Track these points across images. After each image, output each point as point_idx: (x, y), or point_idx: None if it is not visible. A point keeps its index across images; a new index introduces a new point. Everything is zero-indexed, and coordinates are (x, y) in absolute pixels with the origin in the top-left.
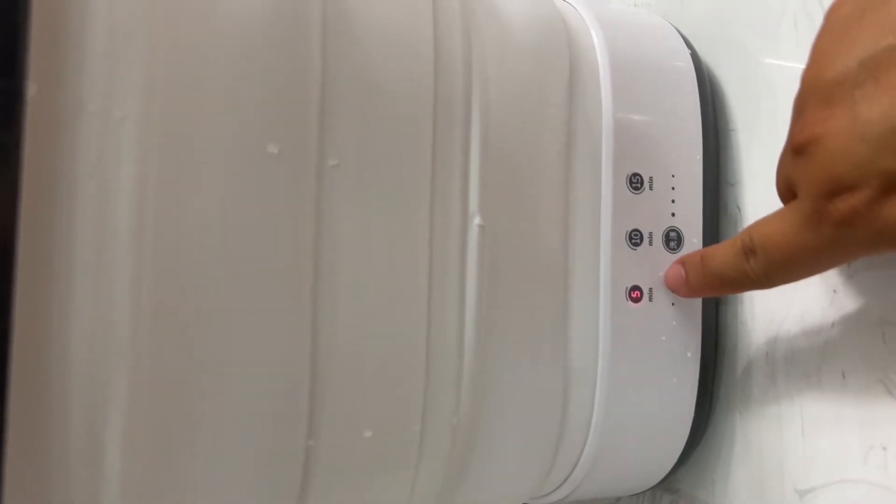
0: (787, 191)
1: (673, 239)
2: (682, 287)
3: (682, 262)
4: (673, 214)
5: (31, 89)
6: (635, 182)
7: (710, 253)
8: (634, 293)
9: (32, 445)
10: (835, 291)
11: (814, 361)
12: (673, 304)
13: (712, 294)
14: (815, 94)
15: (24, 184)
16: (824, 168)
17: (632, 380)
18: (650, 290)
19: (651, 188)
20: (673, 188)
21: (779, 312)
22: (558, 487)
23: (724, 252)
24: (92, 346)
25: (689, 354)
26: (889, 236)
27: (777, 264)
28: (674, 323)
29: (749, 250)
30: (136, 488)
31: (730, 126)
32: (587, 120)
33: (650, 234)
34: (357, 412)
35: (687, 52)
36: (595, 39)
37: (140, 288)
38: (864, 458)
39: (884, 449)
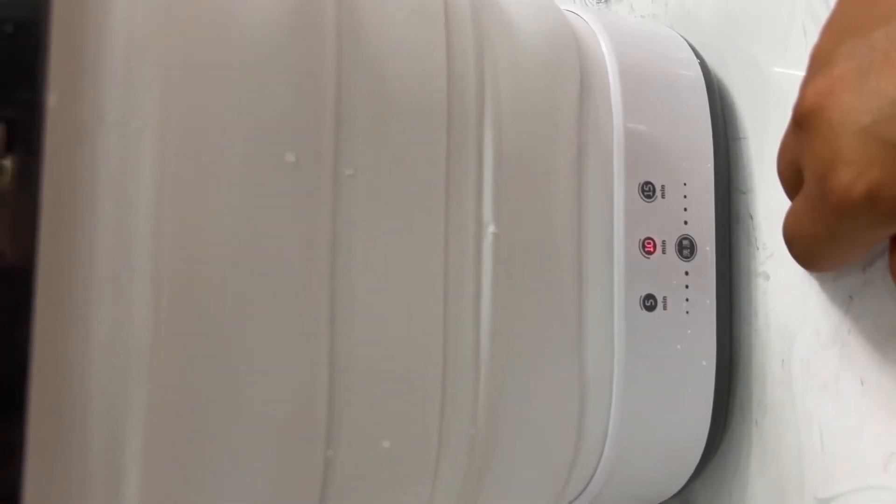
0: (791, 174)
1: (686, 247)
2: None
3: None
4: (686, 223)
5: (52, 100)
6: (647, 191)
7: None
8: (649, 302)
9: (52, 461)
10: (850, 298)
11: (831, 369)
12: (687, 312)
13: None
14: (821, 69)
15: (44, 194)
16: (825, 142)
17: (647, 389)
18: (664, 298)
19: (663, 196)
20: (685, 196)
21: (794, 320)
22: (575, 499)
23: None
24: (111, 360)
25: (704, 363)
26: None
27: (809, 256)
28: (689, 332)
29: (788, 243)
30: (155, 500)
31: (740, 134)
32: (598, 130)
33: (663, 242)
34: (375, 422)
35: (696, 61)
36: (604, 50)
37: (159, 300)
38: (885, 465)
39: None
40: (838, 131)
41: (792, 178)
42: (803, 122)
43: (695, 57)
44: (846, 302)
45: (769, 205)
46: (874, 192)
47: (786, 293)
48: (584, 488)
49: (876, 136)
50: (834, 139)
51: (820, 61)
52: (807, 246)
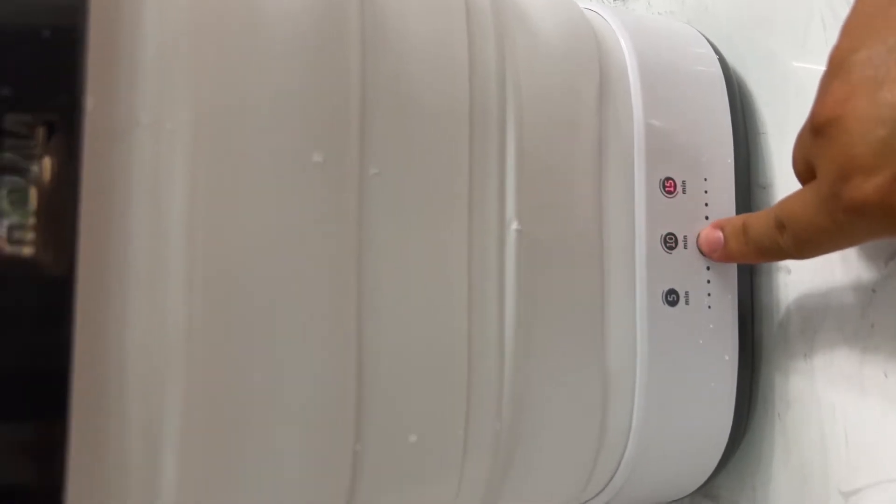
0: (805, 170)
1: None
2: (717, 251)
3: (719, 226)
4: (707, 218)
5: (89, 103)
6: (668, 186)
7: (749, 222)
8: (671, 297)
9: (92, 457)
10: (874, 291)
11: (854, 362)
12: (709, 307)
13: (748, 261)
14: (838, 75)
15: (82, 193)
16: (842, 149)
17: (670, 384)
18: (686, 293)
19: (684, 192)
20: (706, 192)
21: (816, 314)
22: (599, 493)
23: (761, 223)
24: (147, 355)
25: (726, 357)
26: None
27: (803, 241)
28: (711, 326)
29: (780, 224)
30: (191, 491)
31: (760, 129)
32: (619, 126)
33: (685, 237)
34: (402, 417)
35: (714, 56)
36: (624, 47)
37: (192, 296)
38: None
39: None
40: (855, 140)
41: (806, 174)
42: (821, 129)
43: (713, 53)
44: (869, 295)
45: None
46: (887, 201)
47: (808, 287)
48: (609, 481)
49: (891, 147)
50: (850, 147)
51: (837, 66)
52: (808, 230)
